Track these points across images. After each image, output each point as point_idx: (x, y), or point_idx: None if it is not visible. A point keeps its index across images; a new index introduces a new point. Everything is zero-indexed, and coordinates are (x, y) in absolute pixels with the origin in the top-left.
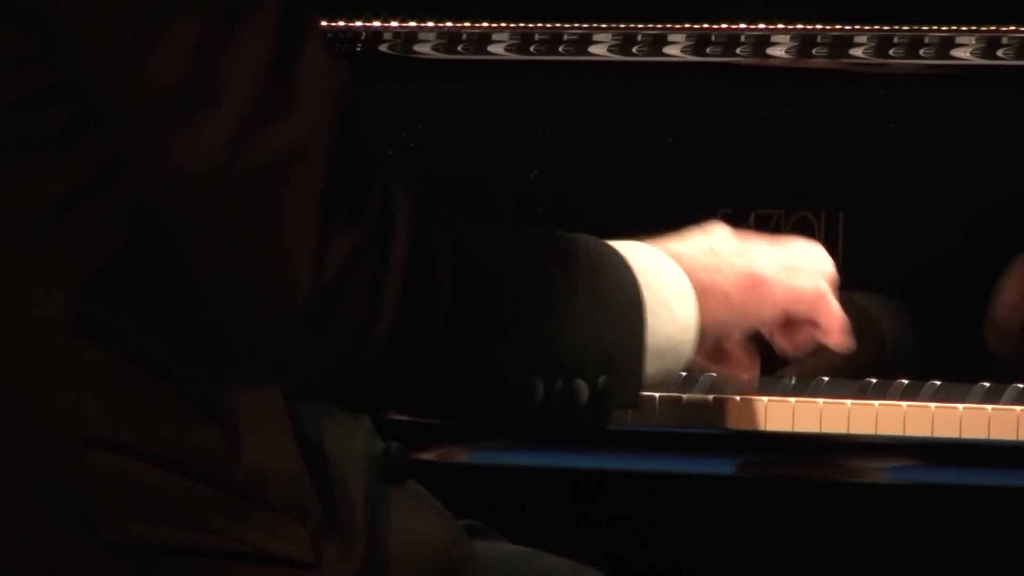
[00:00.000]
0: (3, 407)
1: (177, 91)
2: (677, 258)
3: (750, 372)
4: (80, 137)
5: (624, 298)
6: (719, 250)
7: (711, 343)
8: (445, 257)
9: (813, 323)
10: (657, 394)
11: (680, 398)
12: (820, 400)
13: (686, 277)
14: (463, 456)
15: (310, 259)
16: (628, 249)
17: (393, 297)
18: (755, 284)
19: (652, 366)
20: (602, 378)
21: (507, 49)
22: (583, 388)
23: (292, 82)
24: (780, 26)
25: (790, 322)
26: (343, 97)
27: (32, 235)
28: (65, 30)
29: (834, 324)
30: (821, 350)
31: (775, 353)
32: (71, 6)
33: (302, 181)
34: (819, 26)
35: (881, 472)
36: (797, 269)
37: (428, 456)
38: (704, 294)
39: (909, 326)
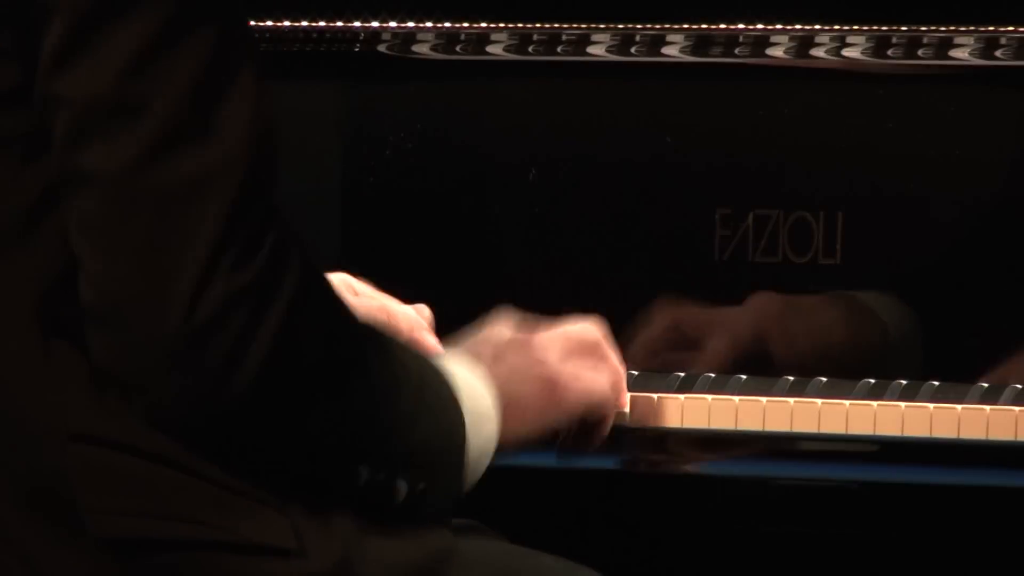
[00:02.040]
0: None
1: (103, 98)
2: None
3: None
4: (47, 140)
5: (448, 418)
6: (510, 359)
7: (517, 443)
8: (315, 328)
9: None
10: (656, 395)
11: (678, 399)
12: (819, 401)
13: (491, 399)
14: None
15: (188, 293)
16: (448, 362)
17: (261, 351)
18: (552, 389)
19: (463, 478)
20: (421, 484)
21: (505, 49)
22: (403, 487)
23: (213, 113)
24: (779, 26)
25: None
26: (262, 138)
27: (5, 236)
28: (29, 28)
29: (621, 396)
30: (821, 350)
31: (771, 354)
32: (40, 5)
33: (200, 213)
34: (818, 26)
35: (880, 472)
36: (587, 352)
37: None
38: (506, 409)
39: (908, 326)
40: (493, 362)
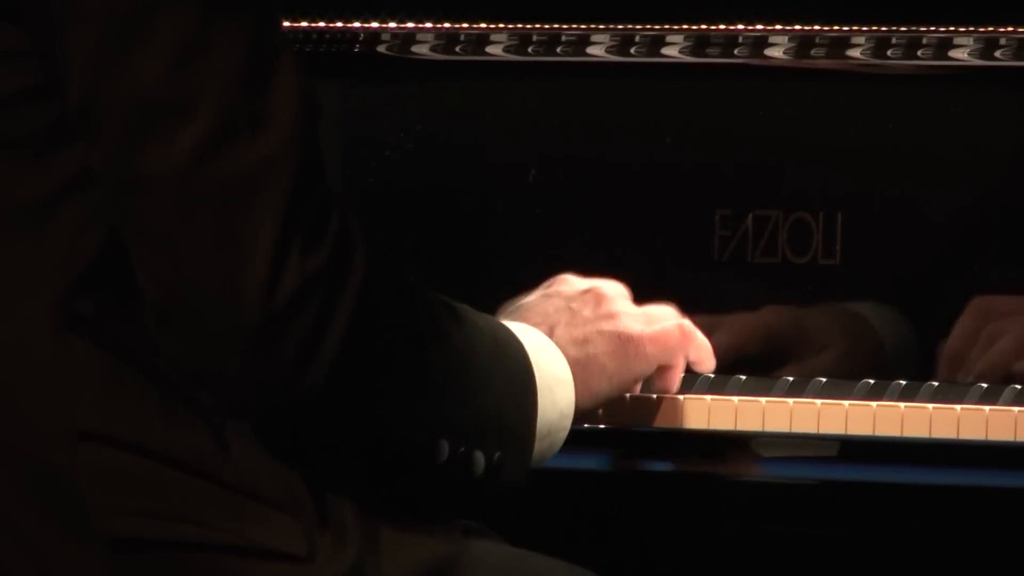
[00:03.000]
0: None
1: (151, 99)
2: (551, 335)
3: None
4: (66, 136)
5: (521, 381)
6: (584, 316)
7: (595, 409)
8: (391, 302)
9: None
10: (655, 395)
11: (678, 399)
12: (818, 401)
13: (566, 362)
14: None
15: (264, 281)
16: (521, 332)
17: (339, 331)
18: (625, 345)
19: (536, 447)
20: (497, 453)
21: (505, 50)
22: (480, 459)
23: (263, 101)
24: (778, 27)
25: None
26: (311, 121)
27: (20, 232)
28: (52, 29)
29: (704, 354)
30: (820, 351)
31: (771, 354)
32: (60, 6)
33: (264, 200)
34: (817, 27)
35: (880, 472)
36: (654, 317)
37: None
38: (581, 371)
39: (907, 327)
40: (568, 322)
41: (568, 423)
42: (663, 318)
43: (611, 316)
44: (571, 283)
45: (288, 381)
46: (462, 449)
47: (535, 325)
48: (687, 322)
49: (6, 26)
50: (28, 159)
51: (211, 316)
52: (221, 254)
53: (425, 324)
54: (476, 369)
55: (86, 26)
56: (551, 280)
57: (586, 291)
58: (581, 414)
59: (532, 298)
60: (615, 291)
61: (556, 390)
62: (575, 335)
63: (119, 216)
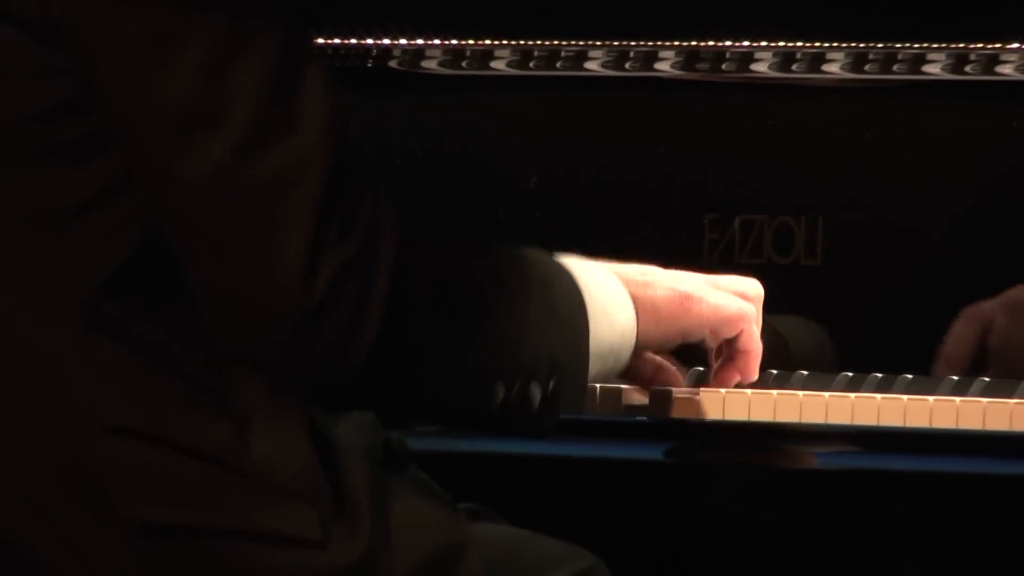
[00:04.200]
0: (28, 398)
1: (186, 109)
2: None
3: (676, 380)
4: (99, 147)
5: (570, 308)
6: (650, 271)
7: (641, 352)
8: (424, 274)
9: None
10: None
11: (669, 392)
12: (800, 393)
13: (624, 287)
14: (467, 445)
15: (304, 271)
16: (573, 262)
17: (377, 310)
18: (683, 299)
19: (594, 368)
20: (552, 381)
21: (508, 65)
22: (536, 391)
23: (293, 104)
24: (763, 44)
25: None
26: (338, 120)
27: (52, 237)
28: (85, 46)
29: (749, 346)
30: (802, 345)
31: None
32: (91, 23)
33: (299, 198)
34: (799, 43)
35: (858, 459)
36: (723, 290)
37: (436, 447)
38: (637, 305)
39: (883, 324)
40: (629, 271)
41: (631, 341)
42: (730, 290)
43: (676, 278)
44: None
45: (334, 363)
46: (517, 386)
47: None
48: (750, 309)
49: (40, 45)
50: (59, 169)
51: (256, 309)
52: (260, 251)
53: (464, 286)
54: (522, 308)
55: (120, 43)
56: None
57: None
58: (641, 347)
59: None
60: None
61: (612, 311)
62: (637, 276)
63: (163, 219)
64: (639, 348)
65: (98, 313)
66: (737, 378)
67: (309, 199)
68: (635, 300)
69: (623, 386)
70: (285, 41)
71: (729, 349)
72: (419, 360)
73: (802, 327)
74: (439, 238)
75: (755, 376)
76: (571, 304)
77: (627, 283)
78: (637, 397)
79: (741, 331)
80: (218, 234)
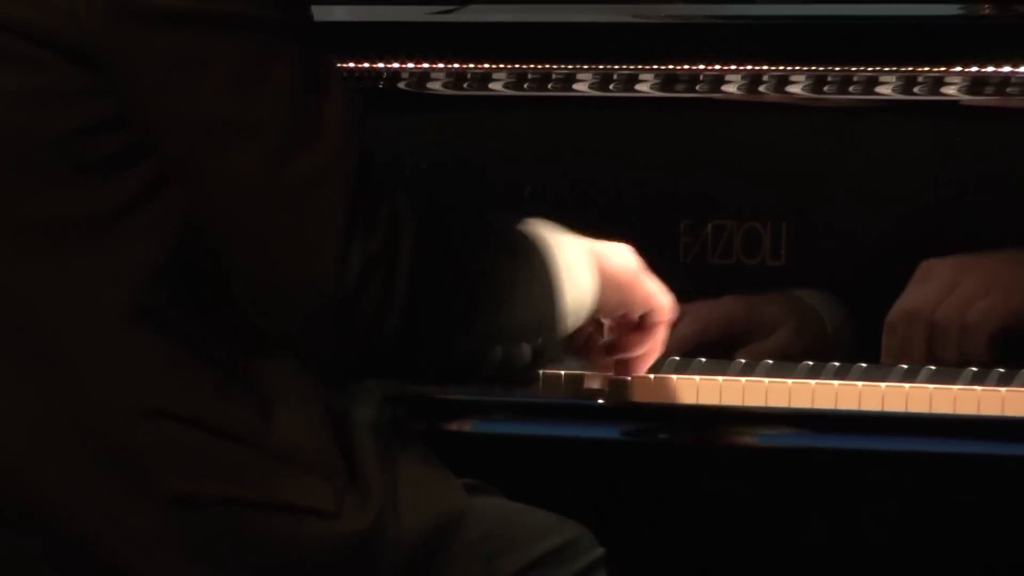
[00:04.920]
0: (74, 384)
1: (221, 120)
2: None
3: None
4: (134, 158)
5: (549, 273)
6: (610, 249)
7: (592, 317)
8: (439, 260)
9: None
10: (628, 376)
11: (648, 378)
12: (766, 379)
13: (588, 256)
14: (469, 426)
15: (336, 263)
16: (549, 234)
17: (402, 295)
18: (634, 275)
19: (569, 323)
20: (539, 340)
21: (504, 86)
22: (527, 349)
23: (317, 113)
24: (732, 67)
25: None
26: (359, 128)
27: (96, 239)
28: (124, 68)
29: (657, 336)
30: (768, 337)
31: (727, 340)
32: (130, 48)
33: (329, 197)
34: (764, 67)
35: (819, 439)
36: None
37: (440, 426)
38: (598, 273)
39: (840, 316)
40: (592, 244)
41: (589, 296)
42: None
43: (631, 261)
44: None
45: (368, 339)
46: (512, 347)
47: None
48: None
49: (80, 69)
50: (99, 179)
51: (296, 298)
52: (296, 246)
53: (467, 266)
54: (514, 286)
55: (159, 63)
56: None
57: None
58: (593, 307)
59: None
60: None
61: (575, 272)
62: (597, 249)
63: (205, 220)
64: (595, 309)
65: (139, 307)
66: (634, 354)
67: (337, 198)
68: (597, 269)
69: (599, 373)
70: (306, 56)
71: (638, 330)
72: (435, 334)
73: (767, 320)
74: (447, 228)
75: (643, 370)
76: (550, 271)
77: (592, 253)
78: (599, 382)
79: (661, 322)
80: (257, 231)
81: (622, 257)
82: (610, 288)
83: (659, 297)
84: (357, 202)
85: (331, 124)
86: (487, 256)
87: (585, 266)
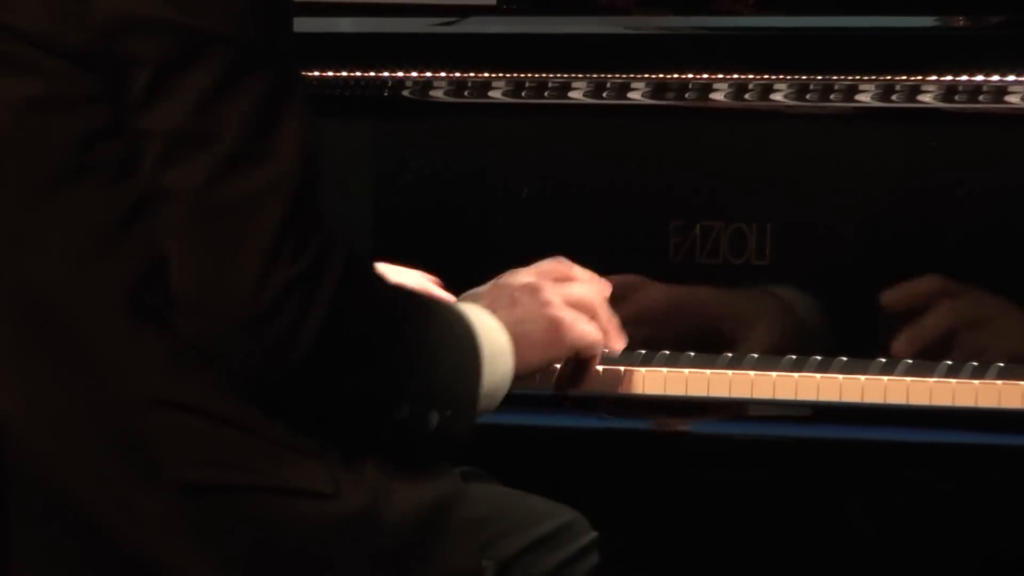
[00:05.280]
0: (87, 376)
1: (180, 131)
2: (494, 313)
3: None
4: (134, 165)
5: (468, 354)
6: (523, 303)
7: (528, 376)
8: (358, 303)
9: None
10: (622, 367)
11: (640, 370)
12: (751, 372)
13: (507, 338)
14: None
15: (255, 281)
16: (471, 312)
17: (315, 323)
18: (555, 327)
19: (480, 406)
20: (448, 412)
21: (503, 94)
22: (435, 417)
23: (272, 137)
24: (719, 76)
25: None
26: (309, 158)
27: (106, 240)
28: (118, 74)
29: (618, 339)
30: (753, 332)
31: (714, 335)
32: (123, 53)
33: (263, 217)
34: (750, 76)
35: (801, 429)
36: (585, 304)
37: None
38: (517, 345)
39: (821, 311)
40: (510, 305)
41: (507, 385)
42: (590, 303)
43: (545, 303)
44: (516, 275)
45: (275, 360)
46: (420, 409)
47: (484, 307)
48: (609, 314)
49: (85, 73)
50: (104, 184)
51: (215, 306)
52: (225, 257)
53: (388, 312)
54: (430, 346)
55: (141, 71)
56: (501, 274)
57: (526, 284)
58: (517, 379)
59: (483, 288)
60: (554, 275)
61: (497, 360)
62: (514, 316)
63: (156, 225)
64: (515, 379)
65: (141, 305)
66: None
67: (271, 219)
68: (514, 339)
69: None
70: (275, 80)
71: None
72: (343, 372)
73: (752, 316)
74: (375, 276)
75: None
76: (470, 351)
77: (506, 322)
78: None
79: (593, 355)
80: (191, 241)
81: (539, 316)
82: (528, 357)
83: (587, 338)
84: (289, 227)
85: (283, 150)
86: (408, 313)
87: (505, 350)
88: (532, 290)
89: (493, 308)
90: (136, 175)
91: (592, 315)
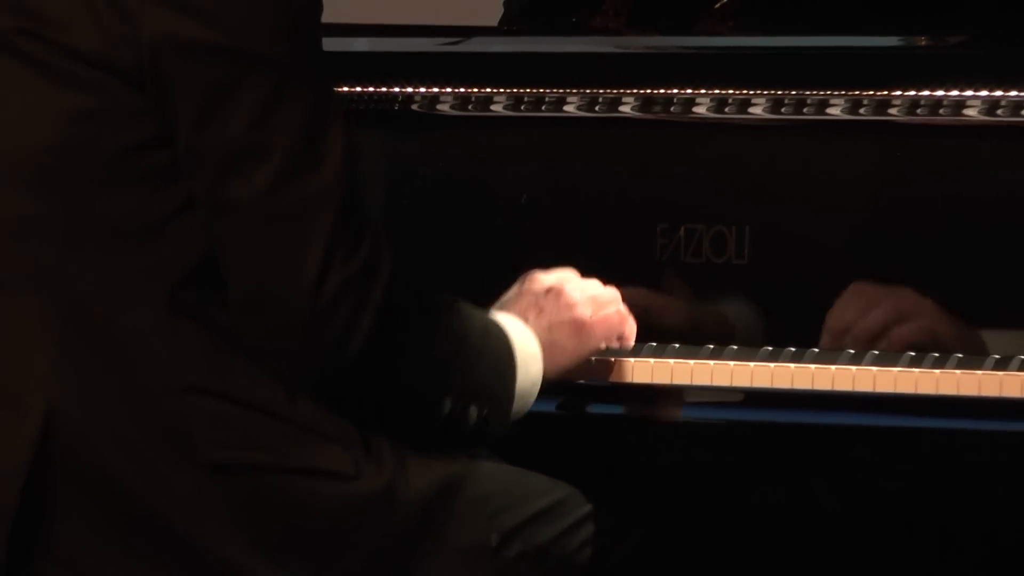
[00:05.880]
0: (126, 365)
1: (238, 145)
2: (526, 322)
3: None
4: (179, 172)
5: (504, 358)
6: (549, 310)
7: (557, 378)
8: (407, 300)
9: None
10: (612, 358)
11: (629, 361)
12: (731, 363)
13: (537, 344)
14: None
15: (315, 281)
16: (505, 321)
17: (368, 321)
18: (580, 330)
19: (514, 407)
20: (485, 410)
21: (504, 108)
22: (473, 413)
23: (318, 147)
24: (702, 91)
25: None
26: (353, 164)
27: (143, 241)
28: (165, 93)
29: (631, 333)
30: (732, 325)
31: (696, 328)
32: (170, 75)
33: (317, 223)
34: (729, 91)
35: (775, 415)
36: (601, 302)
37: None
38: (547, 351)
39: (795, 306)
40: (537, 313)
41: (537, 389)
42: (606, 302)
43: (569, 306)
44: (538, 281)
45: (333, 354)
46: (459, 405)
47: (514, 316)
48: (623, 306)
49: (134, 91)
50: (150, 190)
51: (277, 307)
52: (283, 262)
53: (431, 316)
54: (470, 348)
55: (190, 91)
56: (523, 277)
57: (548, 288)
58: (548, 382)
59: (510, 295)
60: (571, 282)
61: (529, 365)
62: (543, 324)
63: (212, 233)
64: (546, 380)
65: (178, 299)
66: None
67: (325, 223)
68: (543, 345)
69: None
70: (316, 96)
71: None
72: (395, 365)
73: (732, 311)
74: (419, 282)
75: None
76: (506, 356)
77: (535, 330)
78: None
79: (622, 332)
80: (252, 246)
81: (566, 320)
82: (557, 362)
83: (610, 321)
84: (342, 229)
85: (329, 158)
86: (451, 314)
87: (535, 356)
88: (555, 295)
89: (524, 317)
90: (180, 182)
91: (611, 310)
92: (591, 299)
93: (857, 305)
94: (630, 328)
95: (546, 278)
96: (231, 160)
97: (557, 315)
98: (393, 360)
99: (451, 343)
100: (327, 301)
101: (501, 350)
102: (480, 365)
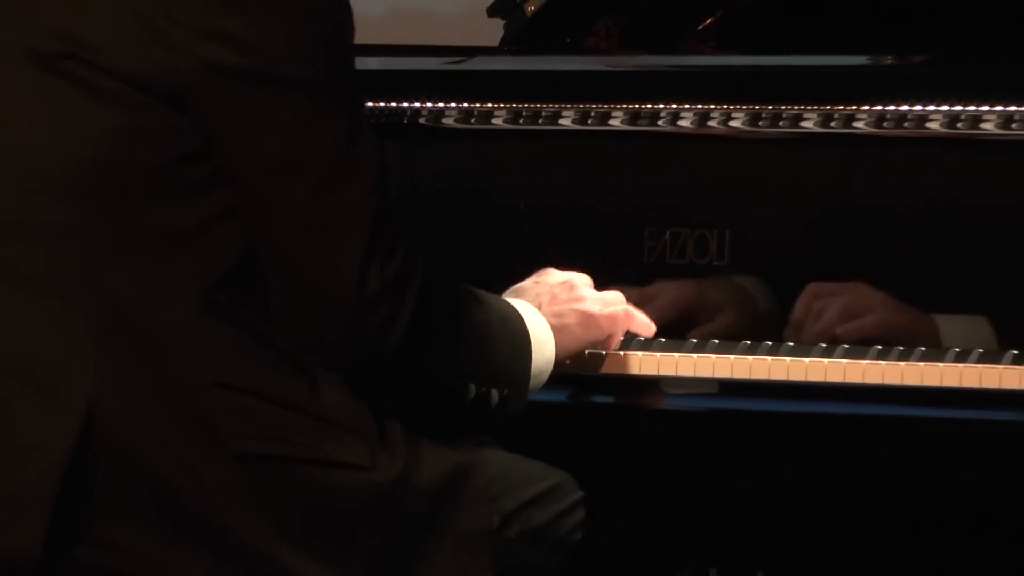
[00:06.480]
0: (160, 361)
1: (280, 160)
2: (539, 310)
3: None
4: (215, 183)
5: (521, 341)
6: (561, 298)
7: (565, 361)
8: (438, 296)
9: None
10: (602, 352)
11: (618, 354)
12: (713, 356)
13: (549, 328)
14: None
15: (356, 284)
16: (519, 306)
17: (405, 319)
18: (588, 320)
19: (532, 383)
20: (505, 391)
21: (504, 121)
22: (495, 395)
23: (354, 158)
24: (686, 105)
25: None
26: (385, 173)
27: (181, 248)
28: (205, 112)
29: (643, 326)
30: (714, 322)
31: (681, 324)
32: (208, 95)
33: (356, 230)
34: (712, 105)
35: (753, 404)
36: (609, 301)
37: None
38: (558, 335)
39: (770, 303)
40: (550, 300)
41: (550, 369)
42: (614, 301)
43: (579, 299)
44: (553, 274)
45: (373, 348)
46: (483, 389)
47: (528, 302)
48: (630, 306)
49: (171, 110)
50: (187, 199)
51: (319, 311)
52: (327, 266)
53: (459, 308)
54: (492, 336)
55: (227, 113)
56: (539, 272)
57: (563, 281)
58: (557, 364)
59: (526, 283)
60: (582, 281)
61: (543, 347)
62: (555, 310)
63: (258, 240)
64: (561, 360)
65: (211, 300)
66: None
67: (364, 229)
68: (554, 329)
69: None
70: (349, 112)
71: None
72: (427, 358)
73: (713, 308)
74: (447, 278)
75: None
76: (522, 339)
77: (547, 316)
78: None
79: (630, 325)
80: (297, 252)
81: (576, 305)
82: (567, 345)
83: (614, 318)
84: (379, 235)
85: (363, 171)
86: (476, 306)
87: (548, 339)
88: (568, 288)
89: (537, 303)
90: (217, 192)
91: (618, 308)
92: (600, 297)
93: (820, 302)
94: (642, 323)
95: (560, 273)
96: (271, 175)
97: (568, 304)
98: (424, 353)
99: (476, 333)
100: (366, 304)
101: (519, 336)
102: (501, 351)
